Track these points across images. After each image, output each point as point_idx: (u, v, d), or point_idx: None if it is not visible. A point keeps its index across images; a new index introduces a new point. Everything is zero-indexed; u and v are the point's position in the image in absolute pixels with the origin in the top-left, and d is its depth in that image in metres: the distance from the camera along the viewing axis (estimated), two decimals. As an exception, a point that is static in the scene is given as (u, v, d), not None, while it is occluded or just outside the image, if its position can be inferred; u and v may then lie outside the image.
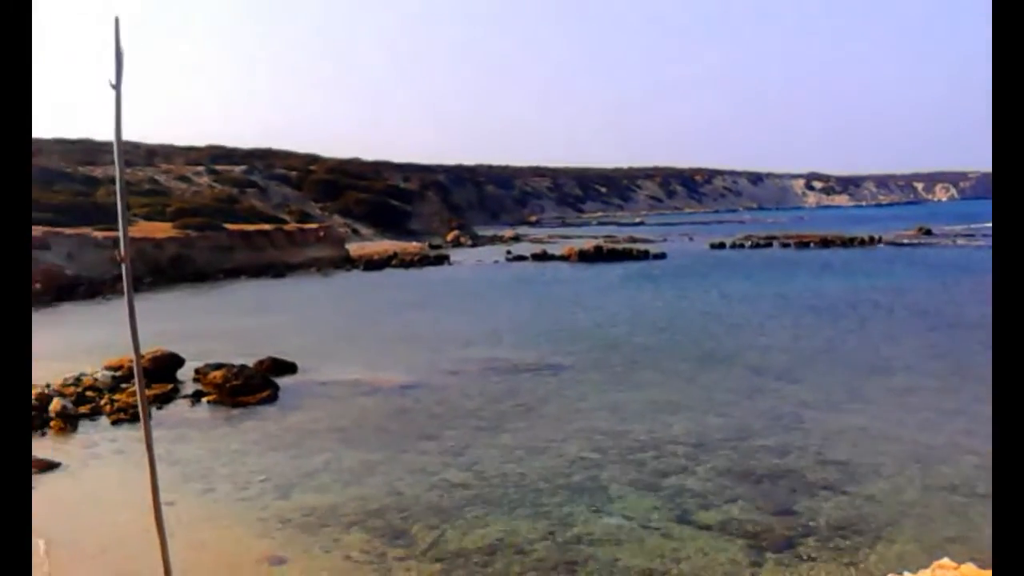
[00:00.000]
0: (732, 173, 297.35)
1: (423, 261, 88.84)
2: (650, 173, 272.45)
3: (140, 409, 8.25)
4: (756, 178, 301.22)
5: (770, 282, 63.32)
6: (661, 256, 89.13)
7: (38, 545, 16.11)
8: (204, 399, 28.74)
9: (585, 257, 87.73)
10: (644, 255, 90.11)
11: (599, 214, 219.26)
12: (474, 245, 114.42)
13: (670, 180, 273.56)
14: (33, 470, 20.71)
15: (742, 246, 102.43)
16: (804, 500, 18.15)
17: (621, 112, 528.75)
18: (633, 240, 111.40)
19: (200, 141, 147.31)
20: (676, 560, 15.34)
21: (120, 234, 7.47)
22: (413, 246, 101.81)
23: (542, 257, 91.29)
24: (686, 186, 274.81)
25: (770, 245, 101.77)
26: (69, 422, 25.45)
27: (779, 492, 18.80)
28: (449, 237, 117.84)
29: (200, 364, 31.18)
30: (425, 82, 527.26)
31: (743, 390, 28.81)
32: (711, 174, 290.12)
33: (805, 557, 15.19)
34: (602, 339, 40.07)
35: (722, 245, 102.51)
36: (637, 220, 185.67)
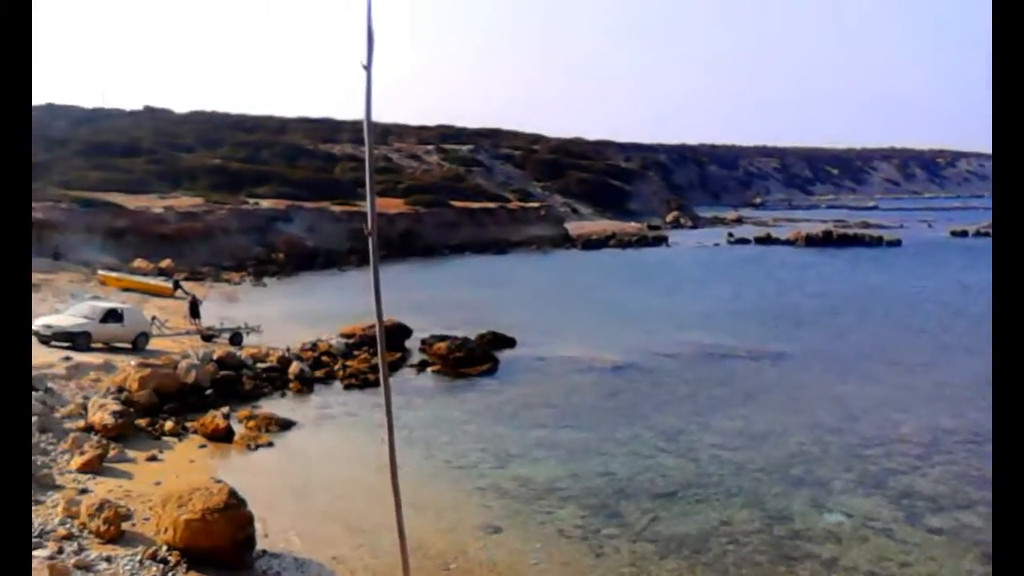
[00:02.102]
0: (979, 156, 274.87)
1: (641, 242, 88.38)
2: (887, 154, 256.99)
3: (382, 376, 8.71)
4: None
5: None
6: (896, 243, 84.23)
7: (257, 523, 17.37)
8: (429, 368, 30.00)
9: (813, 242, 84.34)
10: (877, 241, 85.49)
11: (829, 197, 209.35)
12: (694, 227, 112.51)
13: (908, 162, 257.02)
14: (273, 428, 22.33)
15: (987, 235, 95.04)
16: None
17: (857, 88, 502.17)
18: (865, 225, 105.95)
19: (431, 120, 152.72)
20: (901, 564, 14.55)
21: (368, 208, 7.89)
22: (632, 226, 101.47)
23: (766, 240, 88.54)
24: (926, 169, 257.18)
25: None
26: (305, 384, 27.20)
27: (1023, 502, 17.37)
28: (668, 218, 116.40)
29: (426, 335, 32.56)
30: (649, 60, 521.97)
31: (982, 388, 26.71)
32: (955, 156, 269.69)
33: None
34: (827, 327, 38.48)
35: (964, 233, 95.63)
36: (870, 204, 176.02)
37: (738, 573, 14.30)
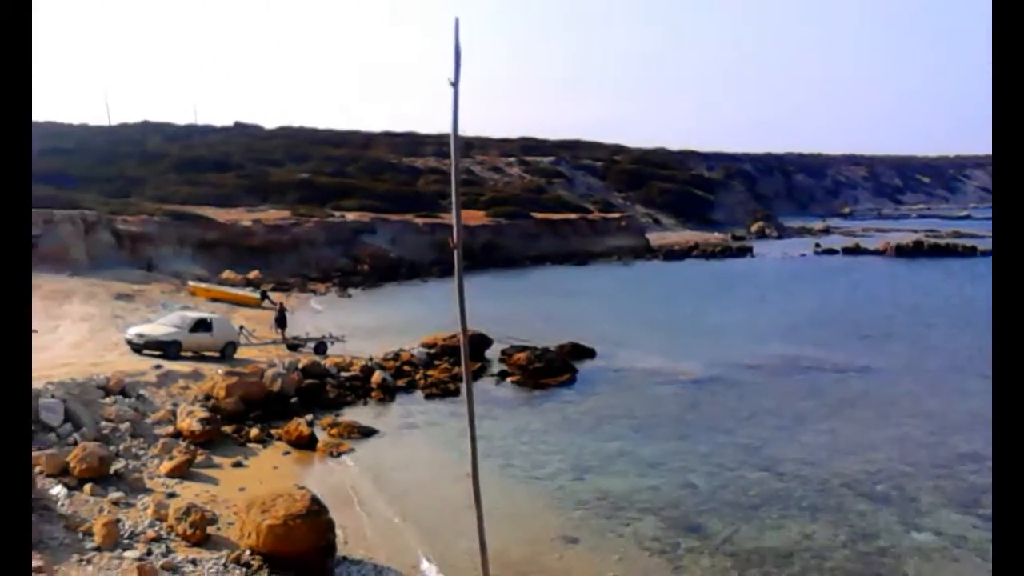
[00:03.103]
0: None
1: (725, 252, 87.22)
2: (981, 161, 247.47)
3: (465, 385, 8.81)
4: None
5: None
6: (990, 253, 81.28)
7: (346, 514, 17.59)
8: (508, 379, 30.07)
9: (903, 252, 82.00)
10: (970, 251, 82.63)
11: (920, 206, 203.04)
12: (780, 237, 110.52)
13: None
14: (356, 435, 22.66)
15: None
16: None
17: (950, 93, 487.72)
18: (958, 235, 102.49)
19: (513, 133, 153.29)
20: (996, 586, 13.99)
21: (454, 222, 8.02)
22: (715, 237, 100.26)
23: (855, 251, 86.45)
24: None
25: None
26: (388, 393, 27.57)
27: None
28: (753, 228, 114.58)
29: (506, 345, 32.68)
30: (734, 67, 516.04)
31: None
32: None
33: None
34: (918, 340, 37.39)
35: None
36: (963, 213, 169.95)
37: (821, 590, 13.98)
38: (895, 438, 22.64)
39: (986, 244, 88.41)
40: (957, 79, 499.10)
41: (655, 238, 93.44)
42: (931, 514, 17.35)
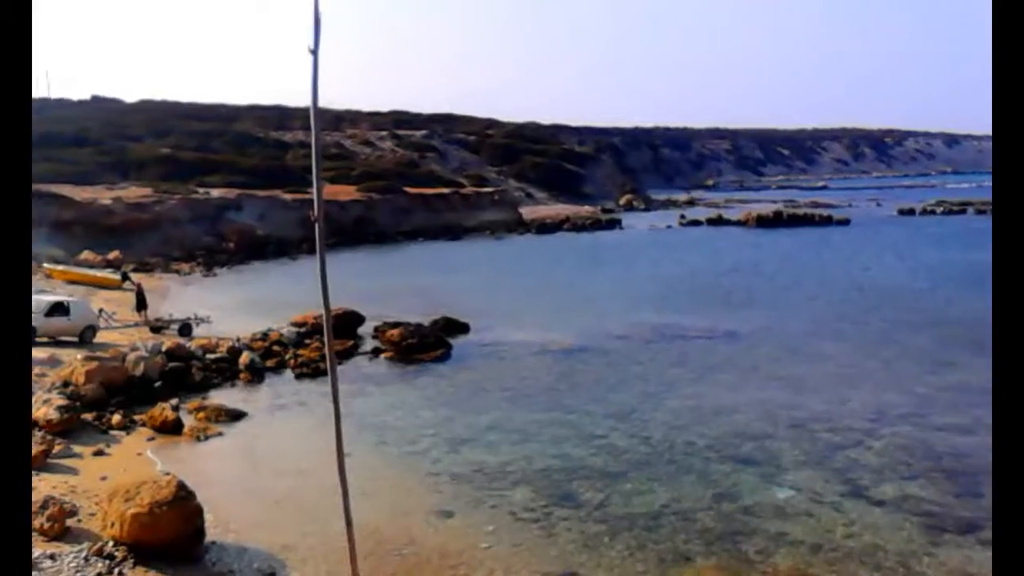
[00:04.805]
0: (926, 135, 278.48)
1: (595, 225, 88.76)
2: (836, 134, 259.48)
3: (328, 362, 8.65)
4: (952, 140, 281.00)
5: (962, 250, 59.44)
6: (845, 222, 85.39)
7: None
8: (382, 355, 29.89)
9: (764, 222, 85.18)
10: (827, 220, 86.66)
11: (780, 177, 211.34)
12: (647, 209, 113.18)
13: (858, 142, 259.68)
14: (224, 418, 22.13)
15: (933, 212, 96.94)
16: (990, 482, 17.06)
17: (805, 70, 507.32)
18: (815, 205, 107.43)
19: (384, 107, 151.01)
20: (847, 536, 14.82)
21: (315, 195, 7.84)
22: (586, 210, 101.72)
23: (718, 222, 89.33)
24: (875, 148, 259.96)
25: (964, 211, 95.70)
26: (256, 375, 26.97)
27: (962, 472, 17.80)
28: (622, 201, 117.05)
29: (379, 322, 32.43)
30: (601, 43, 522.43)
31: (927, 363, 27.36)
32: (903, 136, 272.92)
33: (989, 543, 14.31)
34: (777, 306, 38.95)
35: (911, 211, 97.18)
36: (820, 184, 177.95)
37: (688, 550, 14.47)
38: (757, 400, 23.56)
39: (841, 213, 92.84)
40: (815, 55, 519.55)
41: (528, 212, 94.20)
42: (790, 472, 18.14)
